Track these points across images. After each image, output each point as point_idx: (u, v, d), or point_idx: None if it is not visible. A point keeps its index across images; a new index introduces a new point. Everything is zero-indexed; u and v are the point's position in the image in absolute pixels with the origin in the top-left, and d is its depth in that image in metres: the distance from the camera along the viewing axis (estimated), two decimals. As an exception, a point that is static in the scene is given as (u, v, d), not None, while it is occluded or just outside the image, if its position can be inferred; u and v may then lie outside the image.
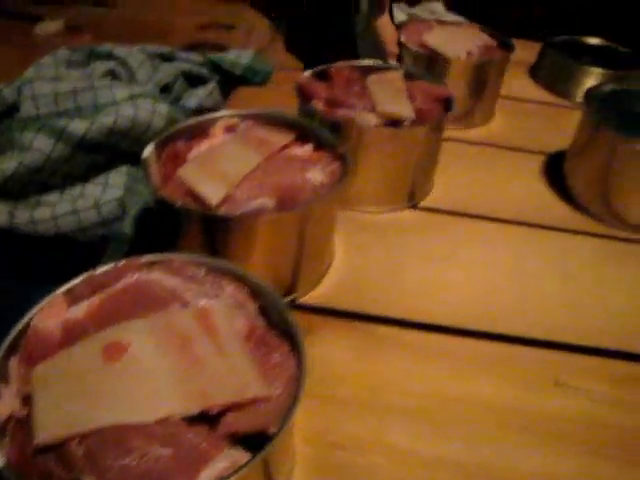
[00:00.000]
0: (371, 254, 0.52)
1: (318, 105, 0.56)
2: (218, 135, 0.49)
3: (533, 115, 0.80)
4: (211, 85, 0.74)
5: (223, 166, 0.43)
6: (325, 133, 0.49)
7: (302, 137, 0.49)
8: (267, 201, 0.42)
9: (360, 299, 0.47)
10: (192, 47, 0.97)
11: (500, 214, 0.59)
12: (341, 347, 0.43)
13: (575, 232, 0.58)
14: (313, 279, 0.48)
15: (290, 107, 0.65)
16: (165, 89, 0.70)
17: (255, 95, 0.76)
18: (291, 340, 0.32)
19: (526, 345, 0.45)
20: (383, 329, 0.45)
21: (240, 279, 0.36)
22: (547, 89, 0.85)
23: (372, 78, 0.60)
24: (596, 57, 0.86)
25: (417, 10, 0.87)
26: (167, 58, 0.74)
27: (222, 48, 0.97)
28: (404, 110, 0.54)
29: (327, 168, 0.45)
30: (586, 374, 0.43)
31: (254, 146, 0.46)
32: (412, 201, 0.59)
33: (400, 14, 0.84)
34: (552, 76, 0.85)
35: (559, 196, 0.63)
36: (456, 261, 0.53)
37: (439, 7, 0.91)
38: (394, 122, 0.54)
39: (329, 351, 0.43)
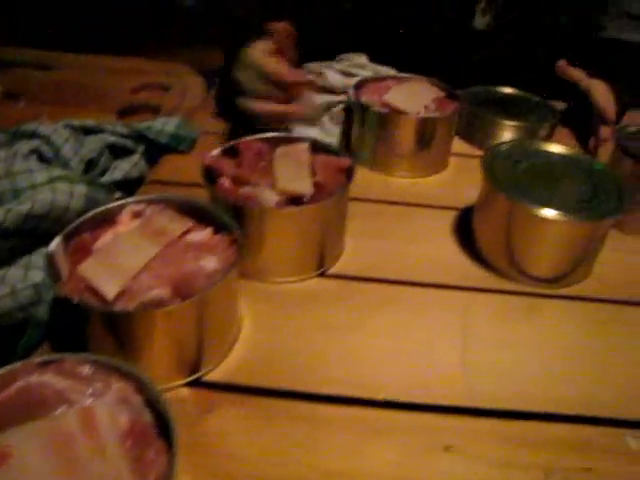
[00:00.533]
0: (278, 326, 0.55)
1: (224, 184, 0.59)
2: (124, 223, 0.53)
3: (450, 168, 0.83)
4: (136, 156, 0.78)
5: (121, 259, 0.46)
6: (224, 216, 0.52)
7: (203, 221, 0.53)
8: (163, 292, 0.45)
9: (264, 373, 0.50)
10: (127, 110, 1.00)
11: (409, 276, 0.61)
12: (240, 424, 0.46)
13: (479, 290, 0.60)
14: (217, 357, 0.50)
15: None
16: (91, 163, 0.73)
17: (181, 162, 0.80)
18: (167, 435, 0.35)
19: (417, 411, 0.47)
20: (282, 403, 0.48)
21: (126, 375, 0.39)
22: (465, 140, 0.89)
23: (279, 152, 0.63)
24: (510, 107, 0.91)
25: (343, 66, 0.90)
26: (93, 131, 0.77)
27: (156, 110, 1.01)
28: (303, 187, 0.58)
29: (222, 254, 0.49)
30: (477, 437, 0.45)
31: (153, 236, 0.49)
32: (321, 269, 0.62)
33: (334, 76, 0.87)
34: (468, 127, 0.88)
35: (467, 253, 0.65)
36: (361, 329, 0.55)
37: (363, 60, 0.94)
38: (296, 198, 0.58)
39: (228, 427, 0.45)
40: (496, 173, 0.62)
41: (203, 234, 0.51)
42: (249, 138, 0.65)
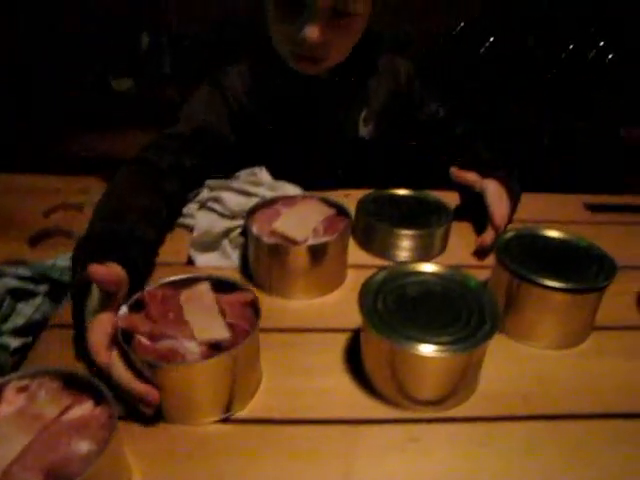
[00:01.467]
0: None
1: (142, 342, 0.60)
2: (8, 401, 0.54)
3: (348, 281, 0.86)
4: (38, 299, 0.79)
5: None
6: (104, 389, 0.54)
7: (86, 392, 0.54)
8: (34, 482, 0.47)
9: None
10: (40, 236, 1.02)
11: (301, 413, 0.64)
12: None
13: (365, 421, 0.63)
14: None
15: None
16: (-9, 311, 0.75)
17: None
18: None
19: None
20: None
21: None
22: (364, 249, 0.92)
23: (184, 298, 0.65)
24: (407, 209, 0.96)
25: (242, 183, 0.94)
26: (-6, 277, 0.79)
27: (69, 234, 1.03)
28: (220, 333, 0.60)
29: (99, 431, 0.51)
30: None
31: (29, 421, 0.50)
32: (227, 412, 0.63)
33: (231, 199, 0.90)
34: (365, 238, 0.92)
35: (356, 380, 0.68)
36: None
37: (264, 175, 0.99)
38: (216, 343, 0.60)
39: None
40: (370, 308, 0.64)
41: (83, 409, 0.53)
42: (151, 287, 0.67)
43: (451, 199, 1.02)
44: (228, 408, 0.63)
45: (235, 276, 0.84)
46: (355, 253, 0.90)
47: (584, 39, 2.94)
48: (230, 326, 0.62)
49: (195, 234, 0.87)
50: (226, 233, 0.86)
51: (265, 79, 1.08)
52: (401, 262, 0.74)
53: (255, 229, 0.80)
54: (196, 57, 2.87)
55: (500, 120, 2.66)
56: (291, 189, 0.94)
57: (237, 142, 1.06)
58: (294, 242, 0.78)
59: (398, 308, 0.65)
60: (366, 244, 0.93)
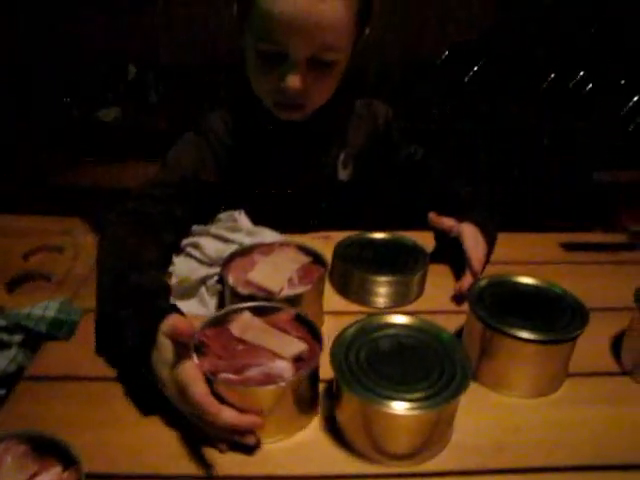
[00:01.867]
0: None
1: (229, 378, 0.64)
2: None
3: (325, 328, 0.86)
4: (13, 350, 0.79)
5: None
6: (72, 450, 0.54)
7: (55, 455, 0.54)
8: None
9: None
10: (19, 280, 1.01)
11: (290, 470, 0.63)
12: None
13: (342, 477, 0.63)
14: None
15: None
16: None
17: (61, 351, 0.80)
18: None
19: None
20: None
21: None
22: (341, 295, 0.92)
23: (236, 329, 0.70)
24: (384, 253, 0.96)
25: (219, 229, 0.94)
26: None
27: (48, 278, 1.03)
28: (298, 346, 0.68)
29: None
30: None
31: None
32: None
33: (209, 246, 0.91)
34: (342, 284, 0.92)
35: (332, 436, 0.67)
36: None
37: (243, 219, 0.99)
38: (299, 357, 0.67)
39: None
40: (342, 364, 0.65)
41: (50, 475, 0.53)
42: (198, 331, 0.69)
43: (430, 240, 1.03)
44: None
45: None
46: (332, 299, 0.91)
47: (564, 69, 2.99)
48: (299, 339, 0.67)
49: (173, 281, 0.87)
50: (203, 281, 0.86)
51: (245, 122, 1.09)
52: (373, 314, 0.73)
53: (231, 279, 0.81)
54: (182, 88, 2.90)
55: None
56: (270, 235, 0.95)
57: (222, 185, 1.07)
58: (270, 293, 0.79)
59: (370, 363, 0.65)
60: (343, 290, 0.93)
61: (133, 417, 0.69)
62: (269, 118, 1.03)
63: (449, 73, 3.44)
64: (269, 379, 0.63)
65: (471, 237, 0.93)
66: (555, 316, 0.73)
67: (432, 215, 0.98)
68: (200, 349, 0.67)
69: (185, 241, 0.94)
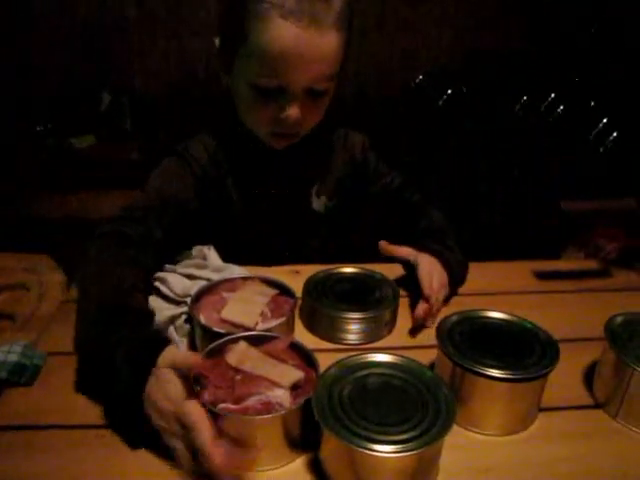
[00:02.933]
0: None
1: (230, 408, 0.65)
2: None
3: None
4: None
5: None
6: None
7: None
8: None
9: None
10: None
11: None
12: None
13: None
14: None
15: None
16: None
17: (22, 398, 0.77)
18: None
19: None
20: None
21: None
22: (311, 332, 0.91)
23: (232, 359, 0.71)
24: (354, 286, 0.95)
25: (186, 266, 0.93)
26: None
27: (11, 318, 1.00)
28: (295, 374, 0.69)
29: None
30: None
31: None
32: None
33: (177, 284, 0.89)
34: (311, 321, 0.91)
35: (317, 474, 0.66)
36: None
37: (212, 255, 0.98)
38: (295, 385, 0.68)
39: None
40: (325, 404, 0.63)
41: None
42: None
43: (401, 271, 1.03)
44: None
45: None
46: (302, 335, 0.90)
47: (538, 95, 3.05)
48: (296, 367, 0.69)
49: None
50: (171, 321, 0.85)
51: (229, 150, 1.10)
52: (352, 355, 0.72)
53: (203, 319, 0.80)
54: (156, 116, 2.89)
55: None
56: (237, 270, 0.94)
57: (202, 211, 1.05)
58: (246, 329, 0.79)
59: (353, 403, 0.64)
60: (312, 327, 0.91)
61: (108, 465, 0.67)
62: (254, 146, 1.04)
63: (423, 97, 3.49)
64: (269, 407, 0.64)
65: (425, 265, 0.94)
66: (525, 353, 0.73)
67: (382, 243, 0.98)
68: (198, 380, 0.67)
69: (153, 277, 0.92)
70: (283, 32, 0.84)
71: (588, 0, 3.07)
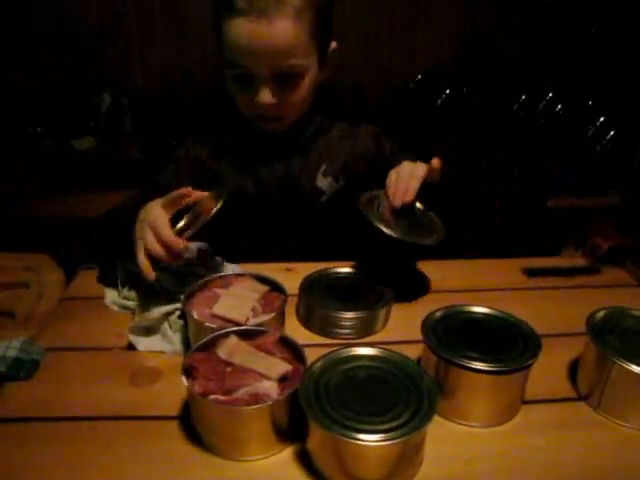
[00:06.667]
0: None
1: (219, 399, 0.67)
2: None
3: None
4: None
5: None
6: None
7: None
8: None
9: None
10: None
11: None
12: None
13: None
14: None
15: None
16: None
17: (20, 393, 0.80)
18: None
19: None
20: None
21: None
22: (305, 327, 0.93)
23: (223, 353, 0.74)
24: (347, 286, 0.98)
25: (182, 267, 0.96)
26: None
27: (12, 315, 1.03)
28: (283, 366, 0.71)
29: None
30: None
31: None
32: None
33: (169, 279, 0.92)
34: (307, 317, 0.94)
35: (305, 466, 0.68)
36: None
37: (207, 252, 1.01)
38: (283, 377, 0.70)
39: None
40: (311, 396, 0.65)
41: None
42: (187, 357, 0.72)
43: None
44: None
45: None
46: (297, 331, 0.92)
47: (535, 95, 3.06)
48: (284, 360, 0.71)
49: (135, 318, 0.88)
50: (165, 316, 0.87)
51: (229, 138, 1.23)
52: (338, 349, 0.74)
53: (195, 314, 0.83)
54: (156, 116, 2.91)
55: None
56: (229, 268, 0.96)
57: None
58: (237, 323, 0.82)
59: (339, 395, 0.66)
60: (307, 323, 0.94)
61: (102, 458, 0.70)
62: (252, 130, 1.15)
63: (422, 96, 3.50)
64: (257, 399, 0.66)
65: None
66: (508, 346, 0.75)
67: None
68: (190, 372, 0.70)
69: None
70: (238, 28, 0.97)
71: (588, 0, 3.07)
